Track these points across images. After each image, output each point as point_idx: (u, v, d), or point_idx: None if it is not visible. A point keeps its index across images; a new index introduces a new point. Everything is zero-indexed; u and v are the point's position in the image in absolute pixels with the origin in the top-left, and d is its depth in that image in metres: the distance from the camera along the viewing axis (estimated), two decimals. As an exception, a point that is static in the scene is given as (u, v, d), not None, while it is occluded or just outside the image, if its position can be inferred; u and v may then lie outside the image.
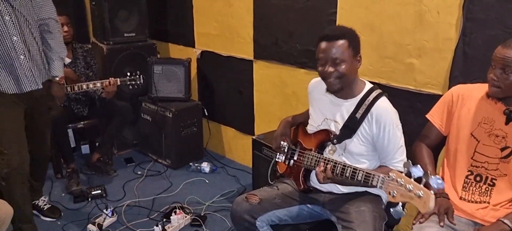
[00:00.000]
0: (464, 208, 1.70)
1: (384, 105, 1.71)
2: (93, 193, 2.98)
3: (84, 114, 3.26)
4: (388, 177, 1.42)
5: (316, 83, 1.90)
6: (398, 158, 1.72)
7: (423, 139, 1.86)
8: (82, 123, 3.26)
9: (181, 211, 2.71)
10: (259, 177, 2.78)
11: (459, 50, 2.10)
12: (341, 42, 1.67)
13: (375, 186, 1.50)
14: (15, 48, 2.16)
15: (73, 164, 3.17)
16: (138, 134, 3.77)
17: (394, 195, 1.39)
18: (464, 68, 2.10)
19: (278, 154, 1.98)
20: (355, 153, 1.77)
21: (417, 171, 1.35)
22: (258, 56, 3.17)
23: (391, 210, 1.64)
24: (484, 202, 1.68)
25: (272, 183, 2.10)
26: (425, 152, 1.83)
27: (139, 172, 3.42)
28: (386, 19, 2.35)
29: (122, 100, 3.42)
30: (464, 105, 1.74)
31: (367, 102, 1.72)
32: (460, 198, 1.72)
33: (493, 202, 1.67)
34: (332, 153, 1.82)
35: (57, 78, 2.46)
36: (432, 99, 2.16)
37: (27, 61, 2.21)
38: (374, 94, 1.73)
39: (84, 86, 2.90)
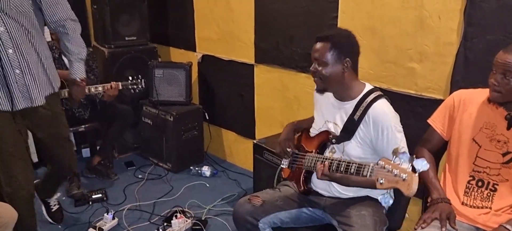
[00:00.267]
0: (466, 213, 1.69)
1: (381, 107, 1.71)
2: (93, 196, 2.98)
3: (85, 118, 3.26)
4: (377, 164, 1.43)
5: None
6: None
7: (424, 144, 1.86)
8: (83, 126, 3.26)
9: (182, 215, 2.71)
10: (260, 181, 2.77)
11: (460, 55, 2.10)
12: (322, 44, 1.73)
13: (366, 176, 1.50)
14: (10, 62, 1.95)
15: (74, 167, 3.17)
16: (139, 137, 3.77)
17: (382, 182, 1.39)
18: (465, 73, 2.11)
19: (282, 160, 1.98)
20: (353, 156, 1.76)
21: (404, 157, 1.36)
22: (259, 60, 3.18)
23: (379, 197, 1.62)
24: (486, 207, 1.68)
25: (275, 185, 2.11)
26: (427, 157, 1.82)
27: (139, 176, 3.42)
28: (387, 24, 2.35)
29: (123, 104, 3.42)
30: (465, 110, 1.74)
31: (364, 104, 1.72)
32: (462, 203, 1.72)
33: (495, 208, 1.67)
34: (332, 155, 1.82)
35: (78, 80, 2.30)
36: (433, 103, 2.17)
37: (24, 76, 2.01)
38: (372, 96, 1.73)
39: (92, 89, 2.90)
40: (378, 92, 1.75)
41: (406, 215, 1.94)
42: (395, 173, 1.36)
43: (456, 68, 2.13)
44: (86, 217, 2.80)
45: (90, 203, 2.96)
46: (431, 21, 2.17)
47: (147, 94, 3.53)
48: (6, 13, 1.91)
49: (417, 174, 1.33)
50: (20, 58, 1.97)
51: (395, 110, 1.76)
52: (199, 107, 3.62)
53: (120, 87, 2.96)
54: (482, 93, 1.73)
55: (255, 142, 2.81)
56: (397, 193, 1.46)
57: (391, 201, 1.55)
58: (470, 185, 1.72)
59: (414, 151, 1.87)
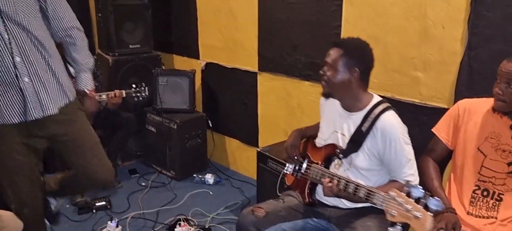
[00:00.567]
0: (471, 223, 1.69)
1: (389, 119, 1.71)
2: (97, 204, 2.98)
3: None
4: (388, 195, 1.42)
5: None
6: (408, 172, 1.71)
7: (429, 153, 1.86)
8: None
9: (186, 223, 2.71)
10: (264, 189, 2.77)
11: (465, 64, 2.10)
12: (335, 49, 1.74)
13: (376, 204, 1.50)
14: (18, 70, 1.85)
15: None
16: (143, 145, 3.78)
17: (393, 214, 1.38)
18: (470, 82, 2.11)
19: (287, 165, 1.98)
20: (361, 168, 1.76)
21: (417, 191, 1.34)
22: (262, 68, 3.18)
23: (390, 229, 1.62)
24: (492, 217, 1.68)
25: (279, 195, 2.10)
26: (432, 166, 1.83)
27: (143, 183, 3.42)
28: (391, 33, 2.36)
29: (126, 112, 3.43)
30: (470, 120, 1.75)
31: (372, 115, 1.72)
32: (468, 213, 1.71)
33: (500, 217, 1.66)
34: (338, 167, 1.82)
35: (88, 92, 2.18)
36: (437, 112, 2.17)
37: (33, 84, 1.90)
38: (380, 107, 1.73)
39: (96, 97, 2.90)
40: (387, 104, 1.75)
41: None
42: (408, 208, 1.35)
43: (460, 77, 2.13)
44: (89, 225, 2.80)
45: (94, 211, 2.95)
46: (435, 30, 2.18)
47: (151, 102, 3.54)
48: (13, 20, 1.83)
49: (432, 215, 1.31)
50: (28, 66, 1.88)
51: (398, 116, 1.76)
52: (203, 115, 3.63)
53: (124, 95, 2.97)
54: (486, 103, 1.73)
55: (259, 150, 2.81)
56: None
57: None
58: (475, 195, 1.72)
59: (419, 160, 1.87)
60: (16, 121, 1.89)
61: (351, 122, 1.78)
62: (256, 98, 3.30)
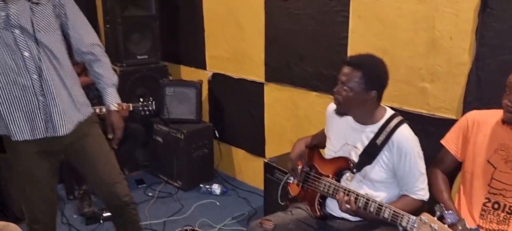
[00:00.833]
0: (482, 237, 1.67)
1: (405, 133, 1.71)
2: (105, 215, 2.98)
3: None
4: (421, 220, 1.40)
5: (335, 107, 1.90)
6: (419, 186, 1.70)
7: (438, 165, 1.85)
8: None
9: (193, 234, 2.70)
10: (271, 200, 2.76)
11: (473, 75, 2.10)
12: (353, 70, 1.69)
13: (404, 227, 1.47)
14: (34, 88, 1.80)
15: (85, 185, 3.18)
16: (150, 155, 3.79)
17: None
18: (478, 93, 2.10)
19: (289, 175, 1.97)
20: (376, 180, 1.75)
21: (452, 218, 1.31)
22: (269, 79, 3.19)
23: None
24: (503, 230, 1.66)
25: (283, 204, 2.09)
26: (441, 178, 1.82)
27: (150, 194, 3.42)
28: (398, 44, 2.36)
29: (134, 122, 3.45)
30: (479, 131, 1.74)
31: (388, 129, 1.71)
32: (478, 226, 1.70)
33: (511, 231, 1.65)
34: (350, 179, 1.81)
35: (115, 107, 2.09)
36: (445, 123, 2.16)
37: (48, 103, 1.83)
38: (395, 121, 1.73)
39: (97, 110, 2.92)
40: (401, 117, 1.75)
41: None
42: None
43: (469, 89, 2.12)
44: (97, 235, 2.81)
45: (101, 221, 2.96)
46: (443, 42, 2.17)
47: (158, 112, 3.55)
48: (33, 37, 1.78)
49: None
50: (44, 84, 1.81)
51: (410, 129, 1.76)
52: (209, 125, 3.64)
53: (131, 108, 2.98)
54: (495, 114, 1.72)
55: (266, 161, 2.81)
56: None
57: None
58: (485, 208, 1.70)
59: (427, 171, 1.86)
60: (30, 138, 1.84)
61: (365, 135, 1.77)
62: (263, 109, 3.31)
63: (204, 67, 3.73)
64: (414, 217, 1.44)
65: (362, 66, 1.69)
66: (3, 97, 1.78)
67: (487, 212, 1.69)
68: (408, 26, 2.30)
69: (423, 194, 1.71)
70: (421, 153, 1.72)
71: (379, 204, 1.58)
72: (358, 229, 1.77)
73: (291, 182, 1.97)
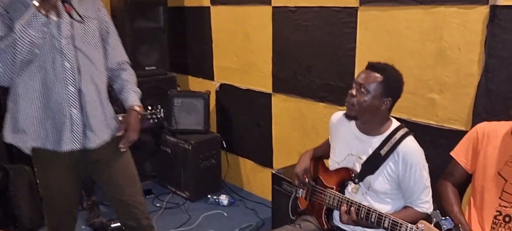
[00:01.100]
0: (493, 250, 1.65)
1: (411, 144, 1.71)
2: (113, 225, 2.98)
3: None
4: (418, 228, 1.39)
5: (339, 117, 1.91)
6: (424, 199, 1.70)
7: (448, 177, 1.84)
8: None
9: (200, 245, 2.69)
10: (279, 211, 2.76)
11: (482, 86, 2.09)
12: (374, 73, 1.68)
13: None
14: (69, 100, 1.76)
15: (94, 196, 3.20)
16: (158, 165, 3.80)
17: None
18: (488, 105, 2.09)
19: (297, 189, 1.97)
20: (380, 192, 1.75)
21: (447, 224, 1.32)
22: (276, 90, 3.20)
23: None
24: (515, 244, 1.64)
25: (294, 218, 2.08)
26: (451, 190, 1.80)
27: (157, 204, 3.43)
28: (406, 55, 2.36)
29: (143, 133, 3.46)
30: (489, 143, 1.72)
31: (393, 140, 1.71)
32: (489, 239, 1.68)
33: (523, 244, 1.62)
34: (355, 191, 1.81)
35: (137, 108, 2.02)
36: (455, 135, 2.15)
37: (81, 116, 1.80)
38: (401, 132, 1.72)
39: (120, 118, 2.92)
40: (406, 129, 1.75)
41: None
42: None
43: (478, 100, 2.11)
44: (105, 246, 2.81)
45: (109, 232, 2.97)
46: (451, 53, 2.17)
47: (166, 123, 3.57)
48: (77, 48, 1.76)
49: None
50: (80, 97, 1.78)
51: (416, 141, 1.75)
52: (217, 135, 3.65)
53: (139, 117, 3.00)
54: (505, 126, 1.71)
55: (273, 172, 2.80)
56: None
57: None
58: (497, 221, 1.68)
59: (436, 183, 1.85)
60: (58, 149, 1.80)
61: (369, 145, 1.77)
62: (270, 119, 3.31)
63: (212, 78, 3.76)
64: (412, 225, 1.44)
65: (384, 71, 1.68)
66: (37, 105, 1.75)
67: (498, 225, 1.67)
68: (415, 37, 2.30)
69: (427, 207, 1.71)
70: (426, 165, 1.72)
71: (379, 214, 1.57)
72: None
73: (300, 195, 1.97)
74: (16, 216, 2.86)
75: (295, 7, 2.90)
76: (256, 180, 3.61)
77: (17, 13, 1.63)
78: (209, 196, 3.49)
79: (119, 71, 2.04)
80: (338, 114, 1.92)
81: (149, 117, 3.09)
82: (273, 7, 3.06)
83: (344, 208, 1.66)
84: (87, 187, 3.23)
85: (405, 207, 1.75)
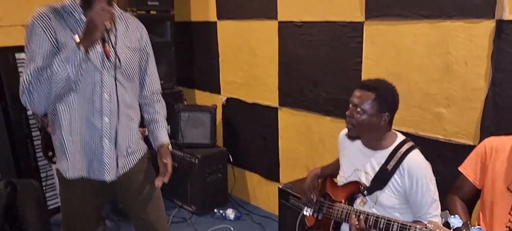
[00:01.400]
0: (503, 267, 1.63)
1: (416, 158, 1.70)
2: (119, 240, 3.00)
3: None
4: (426, 228, 1.39)
5: (346, 133, 1.91)
6: (432, 213, 1.69)
7: (456, 192, 1.82)
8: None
9: (207, 260, 2.68)
10: (286, 226, 2.74)
11: (489, 100, 2.08)
12: (366, 92, 1.72)
13: None
14: (103, 131, 1.72)
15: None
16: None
17: None
18: (495, 119, 2.08)
19: (306, 207, 1.97)
20: (387, 206, 1.74)
21: (456, 222, 1.32)
22: (283, 104, 3.21)
23: None
24: (525, 261, 1.62)
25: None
26: (459, 205, 1.79)
27: (164, 218, 3.42)
28: (412, 69, 2.36)
29: (149, 147, 3.48)
30: (498, 158, 1.71)
31: (398, 154, 1.71)
32: (499, 255, 1.66)
33: (534, 261, 1.60)
34: (362, 205, 1.80)
35: (169, 145, 1.99)
36: (462, 149, 2.14)
37: (113, 147, 1.77)
38: (406, 146, 1.72)
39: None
40: (411, 143, 1.75)
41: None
42: None
43: (485, 114, 2.10)
44: (112, 261, 2.81)
45: (116, 246, 2.96)
46: (458, 67, 2.17)
47: (173, 136, 3.59)
48: (117, 79, 1.71)
49: None
50: (114, 127, 1.75)
51: (423, 155, 1.75)
52: (224, 150, 3.65)
53: (146, 133, 3.01)
54: (514, 141, 1.70)
55: (280, 187, 2.80)
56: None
57: None
58: (507, 237, 1.66)
59: (445, 198, 1.83)
60: (86, 176, 1.77)
61: (375, 160, 1.77)
62: (277, 133, 3.31)
63: (219, 92, 3.78)
64: (420, 226, 1.44)
65: (375, 89, 1.72)
66: (71, 132, 1.72)
67: (508, 241, 1.66)
68: (422, 51, 2.31)
69: (437, 220, 1.69)
70: (433, 179, 1.71)
71: (387, 219, 1.57)
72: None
73: (307, 214, 1.96)
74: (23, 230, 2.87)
75: (301, 22, 2.93)
76: (263, 194, 3.60)
77: (63, 36, 1.61)
78: (215, 210, 3.48)
79: (152, 101, 2.00)
80: (345, 130, 1.92)
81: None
82: (279, 22, 3.08)
83: (353, 219, 1.65)
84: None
85: (414, 221, 1.74)
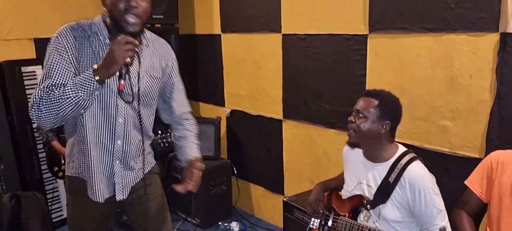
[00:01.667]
0: None
1: (417, 169, 1.69)
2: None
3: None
4: None
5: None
6: (439, 224, 1.66)
7: (463, 206, 1.81)
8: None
9: (211, 274, 2.67)
10: (290, 239, 2.72)
11: (495, 113, 2.07)
12: (369, 99, 1.74)
13: None
14: (113, 153, 1.71)
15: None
16: (168, 192, 3.78)
17: None
18: (501, 132, 2.07)
19: (312, 220, 1.96)
20: (390, 220, 1.73)
21: None
22: (287, 116, 3.21)
23: None
24: (534, 276, 1.59)
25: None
26: (466, 220, 1.77)
27: (168, 231, 3.41)
28: (417, 82, 2.36)
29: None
30: (504, 172, 1.70)
31: (399, 166, 1.71)
32: (507, 271, 1.64)
33: (543, 276, 1.58)
34: (366, 219, 1.79)
35: (201, 163, 1.89)
36: (468, 162, 2.13)
37: (123, 168, 1.76)
38: (406, 158, 1.71)
39: None
40: (413, 154, 1.74)
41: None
42: None
43: (491, 127, 2.09)
44: (115, 274, 2.80)
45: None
46: (462, 80, 2.17)
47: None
48: (133, 106, 1.68)
49: None
50: (126, 149, 1.73)
51: (429, 168, 1.75)
52: (228, 162, 3.65)
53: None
54: (520, 154, 1.69)
55: (285, 199, 2.78)
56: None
57: None
58: (514, 252, 1.64)
59: (452, 213, 1.82)
60: (96, 200, 1.74)
61: (377, 172, 1.76)
62: (281, 146, 3.31)
63: (223, 104, 3.79)
64: None
65: (379, 96, 1.74)
66: (85, 155, 1.70)
67: (516, 257, 1.64)
68: (425, 64, 2.31)
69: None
70: (436, 190, 1.69)
71: None
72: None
73: (314, 227, 1.95)
74: (28, 243, 2.87)
75: (305, 34, 2.94)
76: (267, 206, 3.58)
77: (85, 57, 1.58)
78: (220, 223, 3.47)
79: (181, 120, 1.95)
80: None
81: (160, 141, 3.14)
82: (283, 34, 3.10)
83: None
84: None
85: None
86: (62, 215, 3.44)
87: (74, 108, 1.50)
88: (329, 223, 1.87)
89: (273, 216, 3.49)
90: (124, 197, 1.79)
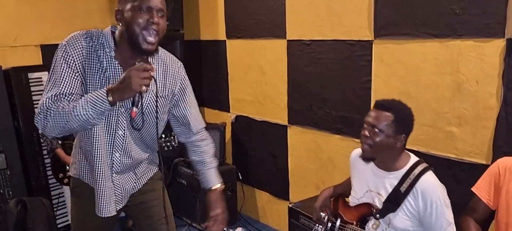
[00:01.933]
0: None
1: (430, 180, 1.68)
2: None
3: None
4: None
5: (358, 153, 1.89)
6: None
7: (470, 213, 1.79)
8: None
9: (216, 280, 2.65)
10: (296, 246, 2.71)
11: (502, 119, 2.06)
12: (384, 113, 1.69)
13: None
14: (113, 166, 1.70)
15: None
16: (173, 197, 3.78)
17: None
18: (508, 138, 2.05)
19: (317, 225, 1.95)
20: (400, 228, 1.71)
21: None
22: (292, 122, 3.21)
23: None
24: None
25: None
26: (474, 227, 1.75)
27: (173, 237, 3.41)
28: (423, 88, 2.35)
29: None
30: (512, 179, 1.68)
31: (412, 176, 1.69)
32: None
33: None
34: (375, 227, 1.78)
35: (221, 187, 1.95)
36: (475, 168, 2.11)
37: (124, 181, 1.77)
38: (419, 168, 1.70)
39: None
40: (425, 165, 1.73)
41: None
42: None
43: (498, 133, 2.08)
44: (121, 280, 2.79)
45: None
46: (469, 86, 2.15)
47: (181, 154, 3.59)
48: (134, 121, 1.66)
49: None
50: (125, 162, 1.73)
51: (436, 174, 1.73)
52: (233, 167, 3.65)
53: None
54: (528, 161, 1.67)
55: (290, 205, 2.78)
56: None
57: None
58: (523, 259, 1.62)
59: (459, 219, 1.80)
60: (97, 213, 1.74)
61: (388, 181, 1.75)
62: (286, 151, 3.30)
63: (228, 110, 3.79)
64: None
65: (393, 110, 1.69)
66: (86, 167, 1.73)
67: (524, 264, 1.62)
68: (431, 70, 2.30)
69: None
70: (448, 202, 1.68)
71: None
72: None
73: None
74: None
75: (310, 40, 2.94)
76: (272, 212, 3.57)
77: (91, 69, 1.57)
78: (225, 229, 3.45)
79: (197, 141, 1.91)
80: (357, 150, 1.90)
81: (164, 144, 3.15)
82: (288, 40, 3.10)
83: None
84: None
85: None
86: (67, 220, 3.44)
87: (81, 124, 1.50)
88: (336, 230, 1.86)
89: (278, 222, 3.48)
90: (122, 204, 1.80)
